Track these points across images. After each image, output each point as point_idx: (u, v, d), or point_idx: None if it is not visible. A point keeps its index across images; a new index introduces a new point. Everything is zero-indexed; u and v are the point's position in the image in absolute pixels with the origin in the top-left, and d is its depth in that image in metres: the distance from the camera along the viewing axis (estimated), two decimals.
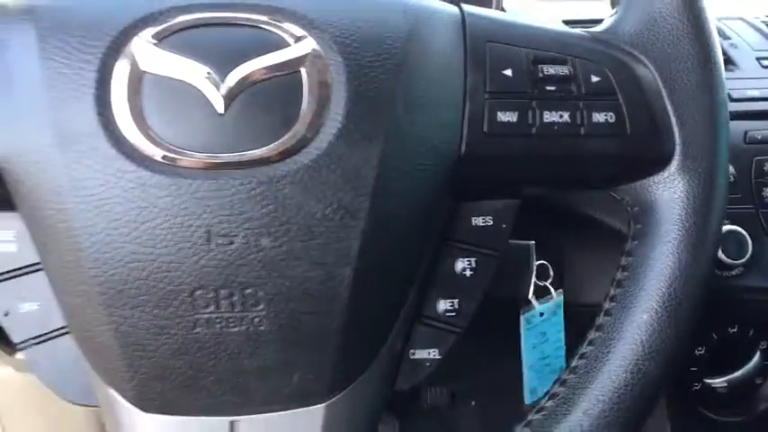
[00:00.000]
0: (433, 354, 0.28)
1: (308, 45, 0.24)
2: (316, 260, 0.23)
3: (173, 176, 0.23)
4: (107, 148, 0.23)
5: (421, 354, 0.28)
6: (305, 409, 0.25)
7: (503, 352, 0.47)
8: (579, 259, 0.47)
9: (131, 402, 0.24)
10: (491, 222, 0.29)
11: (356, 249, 0.24)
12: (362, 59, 0.24)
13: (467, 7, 0.28)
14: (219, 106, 0.23)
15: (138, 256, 0.23)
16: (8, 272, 0.27)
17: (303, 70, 0.24)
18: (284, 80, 0.23)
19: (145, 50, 0.23)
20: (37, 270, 0.27)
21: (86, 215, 0.23)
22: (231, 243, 0.23)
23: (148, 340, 0.23)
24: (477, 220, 0.29)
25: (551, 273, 0.42)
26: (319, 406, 0.25)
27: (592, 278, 0.45)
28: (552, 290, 0.41)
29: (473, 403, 0.77)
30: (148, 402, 0.24)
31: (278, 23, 0.24)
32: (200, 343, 0.23)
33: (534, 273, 0.40)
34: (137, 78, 0.23)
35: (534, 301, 0.42)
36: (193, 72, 0.23)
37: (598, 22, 0.31)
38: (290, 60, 0.24)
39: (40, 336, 0.27)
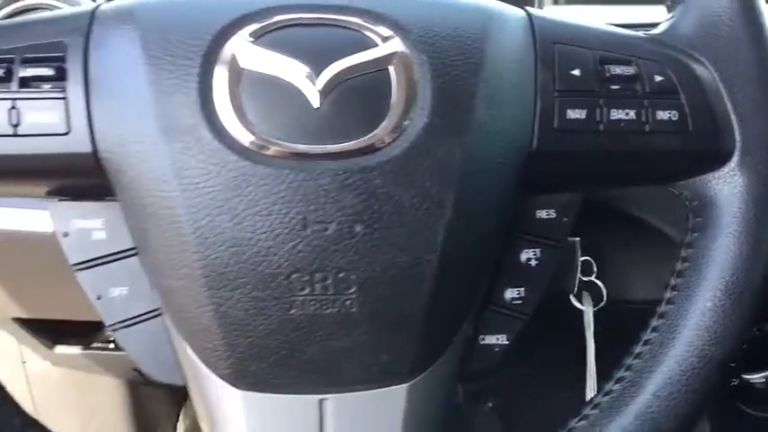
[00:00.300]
0: (501, 339, 0.29)
1: (395, 45, 0.25)
2: (404, 247, 0.25)
3: (271, 166, 0.24)
4: (210, 139, 0.24)
5: (490, 339, 0.29)
6: (389, 388, 0.26)
7: (522, 352, 0.48)
8: (620, 257, 0.48)
9: (225, 380, 0.26)
10: (554, 215, 0.30)
11: (441, 237, 0.25)
12: (446, 59, 0.26)
13: (532, 10, 0.30)
14: (315, 101, 0.24)
15: (238, 241, 0.24)
16: (99, 258, 0.28)
17: (391, 68, 0.25)
18: (374, 77, 0.25)
19: (243, 48, 0.25)
20: (126, 256, 0.28)
21: (190, 203, 0.24)
22: (326, 230, 0.24)
23: (246, 320, 0.25)
24: (541, 213, 0.30)
25: (595, 269, 0.43)
26: (402, 386, 0.26)
27: (631, 275, 0.47)
28: (601, 285, 0.42)
29: (490, 404, 0.78)
30: (242, 380, 0.25)
31: (367, 24, 0.26)
32: (294, 323, 0.25)
33: (579, 269, 0.41)
34: (236, 74, 0.25)
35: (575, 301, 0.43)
36: (290, 69, 0.25)
37: (647, 25, 0.32)
38: (379, 59, 0.25)
39: (130, 319, 0.28)
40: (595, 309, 0.42)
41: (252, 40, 0.25)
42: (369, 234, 0.24)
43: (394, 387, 0.26)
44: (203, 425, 0.28)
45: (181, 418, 0.89)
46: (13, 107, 0.26)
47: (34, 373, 0.74)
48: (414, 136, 0.25)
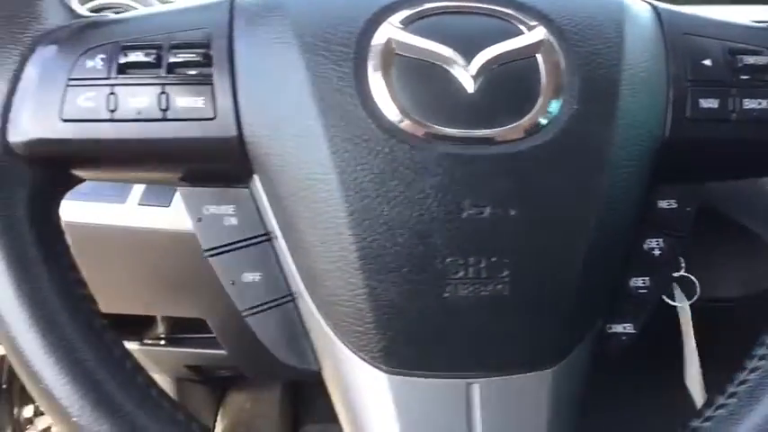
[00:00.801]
0: (627, 328, 0.30)
1: (541, 33, 0.26)
2: (556, 231, 0.25)
3: (427, 151, 0.24)
4: (367, 123, 0.24)
5: (617, 328, 0.30)
6: (535, 373, 0.26)
7: None
8: (707, 255, 0.48)
9: (373, 363, 0.26)
10: (675, 206, 0.31)
11: (591, 223, 0.25)
12: (590, 47, 0.26)
13: (657, 3, 0.30)
14: (469, 86, 0.25)
15: (395, 224, 0.24)
16: (231, 243, 0.29)
17: (538, 56, 0.25)
18: (522, 65, 0.25)
19: (395, 34, 0.25)
20: (259, 242, 0.29)
21: (347, 185, 0.24)
22: (481, 213, 0.24)
23: (400, 303, 0.25)
24: (662, 203, 0.31)
25: (683, 264, 0.44)
26: (547, 371, 0.26)
27: (719, 273, 0.47)
28: (695, 279, 0.42)
29: None
30: (391, 363, 0.26)
31: (512, 13, 0.26)
32: (447, 307, 0.25)
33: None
34: (389, 60, 0.25)
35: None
36: (443, 55, 0.25)
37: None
38: (527, 46, 0.25)
39: (264, 304, 0.28)
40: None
41: (402, 26, 0.25)
42: (523, 218, 0.25)
43: (540, 372, 0.26)
44: (341, 410, 0.28)
45: (219, 416, 0.90)
46: (163, 92, 0.26)
47: None
48: (564, 122, 0.25)
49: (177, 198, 0.48)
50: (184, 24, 0.27)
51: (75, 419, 0.24)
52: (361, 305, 0.25)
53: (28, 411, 0.82)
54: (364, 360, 0.26)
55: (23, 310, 0.25)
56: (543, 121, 0.25)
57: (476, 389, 0.26)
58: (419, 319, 0.25)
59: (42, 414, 0.85)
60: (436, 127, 0.24)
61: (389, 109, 0.25)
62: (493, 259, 0.25)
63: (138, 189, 0.49)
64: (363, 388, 0.26)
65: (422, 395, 0.26)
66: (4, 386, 0.82)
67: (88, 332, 0.26)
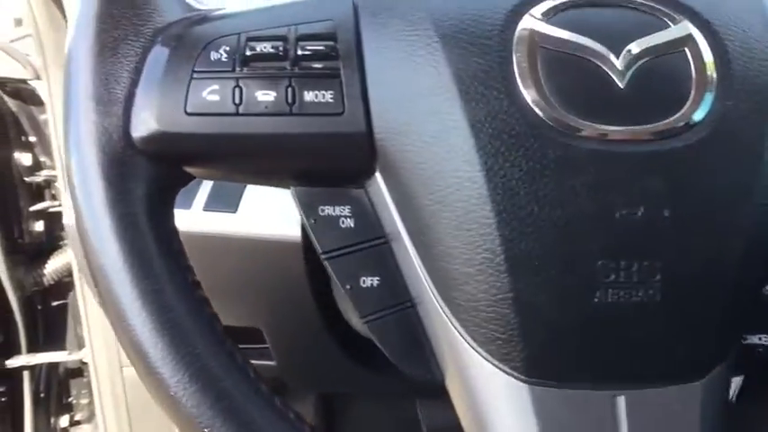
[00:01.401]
0: (764, 339, 0.28)
1: (687, 27, 0.25)
2: (711, 232, 0.24)
3: (578, 148, 0.23)
4: (515, 119, 0.23)
5: (752, 339, 0.28)
6: (684, 385, 0.25)
7: None
8: None
9: (514, 373, 0.24)
10: None
11: (746, 223, 0.24)
12: (739, 41, 0.25)
13: None
14: (620, 81, 0.24)
15: (544, 224, 0.23)
16: (348, 246, 0.27)
17: (687, 50, 0.24)
18: (671, 59, 0.24)
19: (538, 27, 0.24)
20: (377, 245, 0.27)
21: (494, 183, 0.23)
22: (635, 214, 0.23)
23: (547, 309, 0.23)
24: None
25: None
26: (697, 383, 0.25)
27: None
28: None
29: None
30: (533, 373, 0.24)
31: (655, 6, 0.25)
32: (595, 312, 0.23)
33: None
34: (534, 54, 0.24)
35: None
36: (590, 48, 0.24)
37: None
38: (675, 40, 0.24)
39: (383, 310, 0.27)
40: None
41: (545, 19, 0.24)
42: (676, 219, 0.23)
43: (690, 384, 0.25)
44: (470, 422, 0.26)
45: None
46: (290, 85, 0.25)
47: (131, 377, 0.73)
48: (718, 118, 0.24)
49: (244, 203, 0.47)
50: (308, 15, 0.26)
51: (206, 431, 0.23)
52: (504, 310, 0.24)
53: (64, 421, 0.80)
54: (502, 370, 0.24)
55: (146, 312, 0.23)
56: (696, 118, 0.24)
57: (621, 402, 0.24)
58: (566, 326, 0.24)
59: (79, 423, 0.84)
60: (586, 123, 0.23)
61: (538, 103, 0.23)
62: (645, 262, 0.23)
63: (203, 194, 0.48)
64: (500, 399, 0.25)
65: (565, 408, 0.24)
66: (42, 395, 0.81)
67: (212, 338, 0.25)
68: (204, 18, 0.27)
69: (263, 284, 0.52)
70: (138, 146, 0.25)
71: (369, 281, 0.27)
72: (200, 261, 0.47)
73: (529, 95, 0.23)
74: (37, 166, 0.87)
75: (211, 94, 0.25)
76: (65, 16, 0.64)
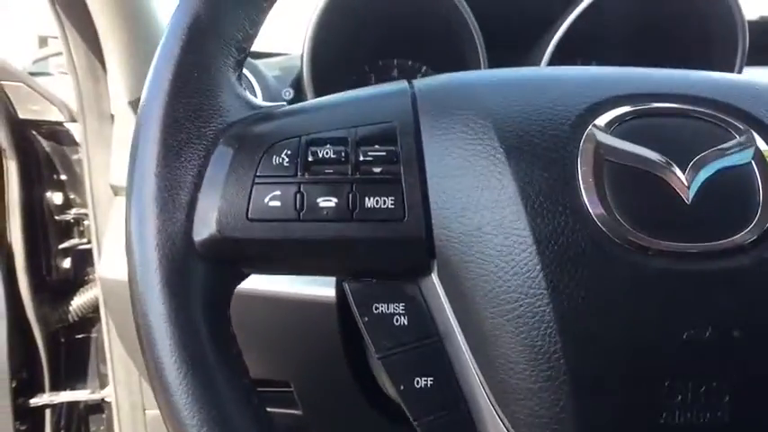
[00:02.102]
0: None
1: (753, 138, 0.24)
2: None
3: (643, 264, 0.23)
4: (580, 236, 0.23)
5: None
6: None
7: None
8: None
9: None
10: None
11: None
12: None
13: None
14: (686, 196, 0.23)
15: (609, 341, 0.23)
16: (402, 345, 0.27)
17: (753, 162, 0.24)
18: (737, 172, 0.24)
19: (602, 138, 0.24)
20: (431, 344, 0.27)
21: (561, 302, 0.23)
22: (704, 334, 0.23)
23: (611, 428, 0.23)
24: None
25: None
26: None
27: None
28: None
29: None
30: None
31: (720, 116, 0.25)
32: None
33: None
34: (599, 165, 0.24)
35: None
36: (655, 162, 0.24)
37: None
38: (740, 153, 0.24)
39: (437, 412, 0.27)
40: None
41: (609, 129, 0.24)
42: (746, 340, 0.23)
43: None
44: None
45: None
46: (351, 191, 0.25)
47: (153, 419, 0.73)
48: None
49: None
50: (367, 116, 0.26)
51: None
52: (567, 428, 0.23)
53: None
54: None
55: (207, 427, 0.23)
56: (765, 233, 0.23)
57: None
58: None
59: None
60: (654, 240, 0.23)
61: (604, 220, 0.23)
62: (714, 384, 0.23)
63: None
64: None
65: None
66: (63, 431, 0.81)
67: None
68: (265, 117, 0.27)
69: (296, 341, 0.52)
70: (200, 250, 0.25)
71: (422, 381, 0.27)
72: (235, 316, 0.47)
73: (595, 211, 0.23)
74: (67, 205, 0.88)
75: (273, 200, 0.25)
76: (104, 67, 0.65)
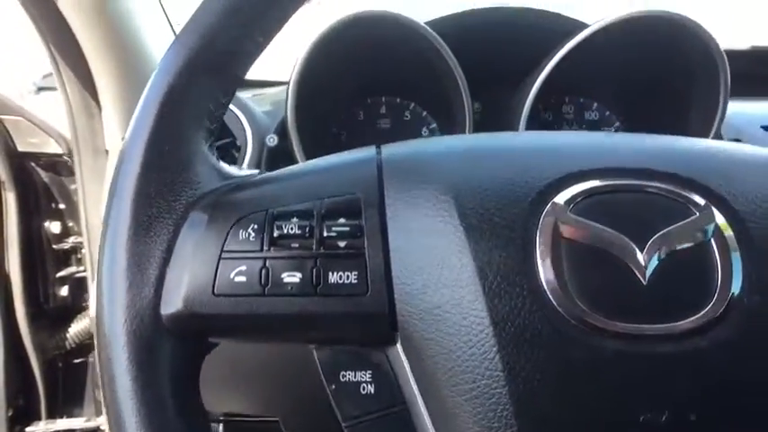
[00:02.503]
0: None
1: (712, 214, 0.25)
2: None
3: (601, 347, 0.23)
4: (536, 316, 0.23)
5: None
6: None
7: None
8: None
9: None
10: None
11: None
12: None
13: None
14: (643, 277, 0.24)
15: (567, 424, 0.23)
16: (369, 413, 0.27)
17: (713, 241, 0.24)
18: (695, 250, 0.24)
19: (561, 216, 0.24)
20: (397, 412, 0.27)
21: (516, 382, 0.23)
22: (660, 418, 0.23)
23: None
24: None
25: None
26: None
27: None
28: None
29: None
30: None
31: (680, 192, 0.25)
32: None
33: None
34: (557, 244, 0.24)
35: None
36: (614, 241, 0.24)
37: None
38: (699, 230, 0.24)
39: None
40: None
41: (568, 207, 0.25)
42: (703, 423, 0.23)
43: None
44: None
45: None
46: (315, 266, 0.25)
47: None
48: (748, 314, 0.23)
49: None
50: (334, 187, 0.27)
51: None
52: None
53: None
54: None
55: None
56: (723, 314, 0.23)
57: None
58: None
59: None
60: (610, 322, 0.23)
61: (560, 300, 0.23)
62: None
63: None
64: None
65: None
66: None
67: None
68: (235, 188, 0.28)
69: (282, 380, 0.53)
70: (167, 325, 0.25)
71: None
72: (225, 353, 0.47)
73: (552, 292, 0.24)
74: (65, 233, 0.89)
75: (239, 275, 0.25)
76: (98, 103, 0.66)
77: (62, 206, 0.89)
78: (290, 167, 0.30)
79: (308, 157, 0.55)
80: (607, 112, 0.70)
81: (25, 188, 0.82)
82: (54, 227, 0.87)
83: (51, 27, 0.58)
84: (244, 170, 0.30)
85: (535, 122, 0.69)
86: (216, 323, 0.26)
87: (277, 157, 0.58)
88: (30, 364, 0.88)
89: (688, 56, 0.56)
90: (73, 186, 0.90)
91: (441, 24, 0.61)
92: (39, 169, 0.84)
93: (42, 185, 0.85)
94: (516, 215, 0.25)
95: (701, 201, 0.25)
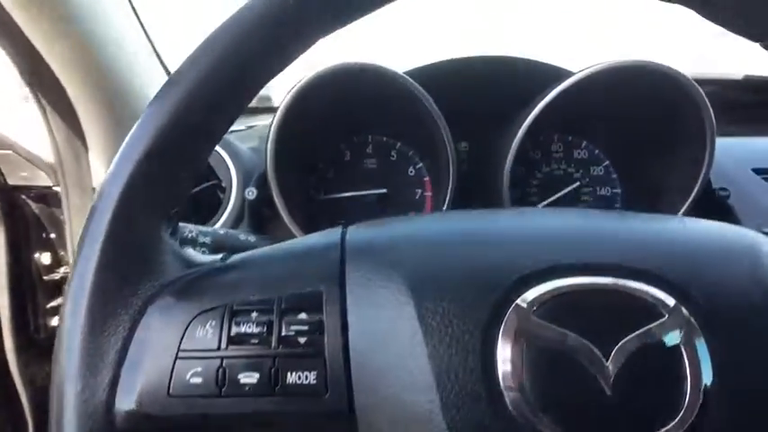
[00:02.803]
0: None
1: (682, 317, 0.24)
2: None
3: None
4: (493, 421, 0.23)
5: None
6: None
7: None
8: None
9: None
10: None
11: None
12: (742, 331, 0.24)
13: None
14: (608, 386, 0.23)
15: None
16: None
17: (682, 347, 0.24)
18: (664, 355, 0.24)
19: (525, 319, 0.24)
20: None
21: None
22: None
23: None
24: None
25: None
26: None
27: None
28: None
29: None
30: None
31: (649, 292, 0.24)
32: None
33: None
34: (519, 349, 0.24)
35: None
36: (579, 348, 0.23)
37: None
38: (668, 334, 0.24)
39: None
40: None
41: (532, 309, 0.24)
42: None
43: None
44: None
45: None
46: (273, 366, 0.25)
47: None
48: (719, 423, 0.23)
49: None
50: (296, 279, 0.27)
51: None
52: None
53: None
54: None
55: None
56: (695, 424, 0.23)
57: None
58: None
59: None
60: (567, 429, 0.23)
61: (520, 411, 0.23)
62: None
63: None
64: None
65: None
66: None
67: None
68: (196, 279, 0.27)
69: None
70: (120, 425, 0.25)
71: None
72: None
73: (513, 404, 0.23)
74: (56, 263, 0.89)
75: (195, 376, 0.25)
76: (84, 143, 0.66)
77: (53, 236, 0.89)
78: (255, 253, 0.29)
79: (290, 208, 0.54)
80: (596, 151, 0.69)
81: (15, 221, 0.82)
82: (44, 258, 0.87)
83: (35, 70, 0.58)
84: (207, 257, 0.30)
85: (524, 161, 0.69)
86: (170, 424, 0.25)
87: (261, 203, 0.57)
88: (18, 395, 0.87)
89: (672, 103, 0.55)
90: (63, 216, 0.90)
91: (422, 72, 0.61)
92: (29, 201, 0.84)
93: (33, 217, 0.85)
94: (477, 320, 0.24)
95: (671, 301, 0.24)
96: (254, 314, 0.26)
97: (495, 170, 0.61)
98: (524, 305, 0.24)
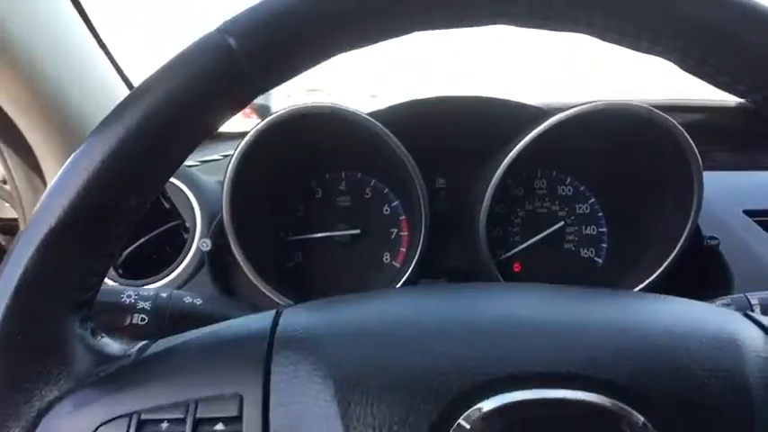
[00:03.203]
0: None
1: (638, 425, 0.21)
2: None
3: None
4: None
5: None
6: None
7: None
8: None
9: None
10: None
11: None
12: None
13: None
14: None
15: None
16: None
17: None
18: None
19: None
20: None
21: None
22: None
23: None
24: None
25: None
26: None
27: None
28: None
29: None
30: None
31: (612, 410, 0.21)
32: None
33: None
34: None
35: None
36: None
37: None
38: None
39: None
40: None
41: (483, 418, 0.21)
42: None
43: None
44: None
45: None
46: None
47: None
48: None
49: None
50: (216, 379, 0.23)
51: None
52: None
53: None
54: None
55: None
56: None
57: None
58: None
59: None
60: None
61: None
62: None
63: None
64: None
65: None
66: None
67: None
68: (105, 378, 0.24)
69: None
70: None
71: None
72: None
73: None
74: None
75: None
76: (43, 180, 0.63)
77: None
78: (176, 340, 0.26)
79: (251, 256, 0.51)
80: (582, 188, 0.66)
81: None
82: None
83: None
84: (123, 347, 0.26)
85: (505, 198, 0.65)
86: None
87: (222, 249, 0.54)
88: None
89: (659, 147, 0.52)
90: None
91: (389, 113, 0.57)
92: None
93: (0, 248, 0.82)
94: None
95: (636, 418, 0.21)
96: (165, 424, 0.22)
97: (473, 209, 0.57)
98: (466, 426, 0.21)
